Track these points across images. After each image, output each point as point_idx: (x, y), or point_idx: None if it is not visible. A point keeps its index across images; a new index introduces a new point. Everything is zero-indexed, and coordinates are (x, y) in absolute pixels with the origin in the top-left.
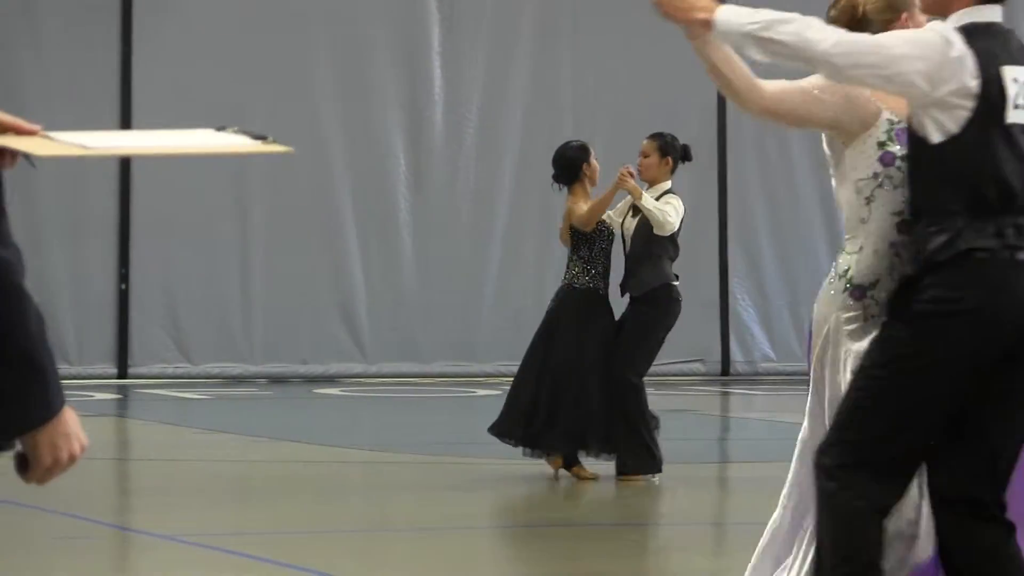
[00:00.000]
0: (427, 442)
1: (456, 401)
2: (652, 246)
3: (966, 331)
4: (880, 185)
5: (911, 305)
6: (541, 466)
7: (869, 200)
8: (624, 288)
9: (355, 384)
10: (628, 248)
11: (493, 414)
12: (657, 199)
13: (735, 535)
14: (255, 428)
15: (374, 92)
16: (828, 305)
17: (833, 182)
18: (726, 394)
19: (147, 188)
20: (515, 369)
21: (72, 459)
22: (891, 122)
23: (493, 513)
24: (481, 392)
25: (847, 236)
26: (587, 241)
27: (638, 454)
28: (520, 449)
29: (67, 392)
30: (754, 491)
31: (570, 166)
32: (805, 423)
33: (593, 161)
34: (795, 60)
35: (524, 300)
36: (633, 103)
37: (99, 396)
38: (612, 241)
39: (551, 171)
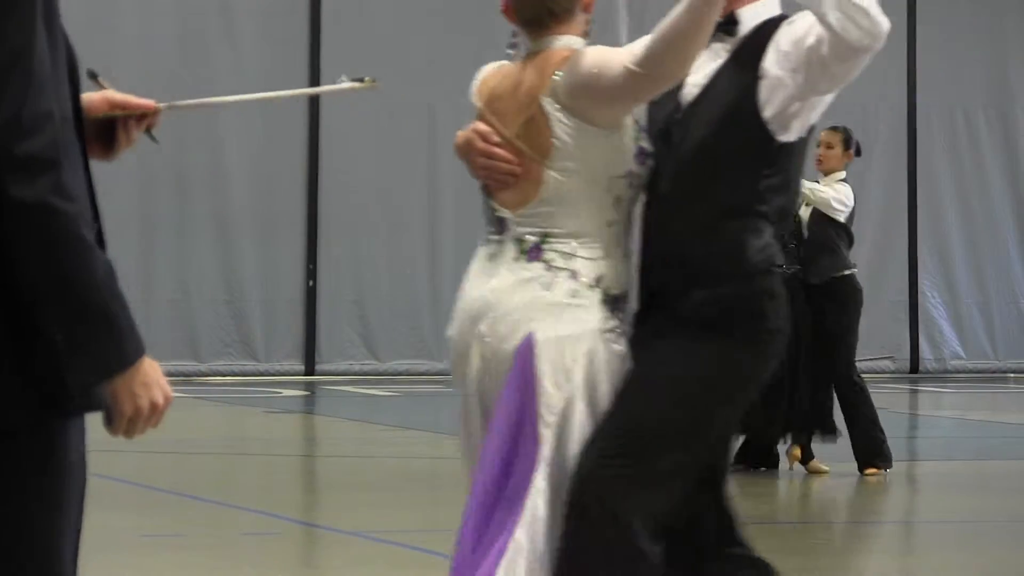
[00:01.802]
0: None
1: None
2: (825, 235)
3: (778, 349)
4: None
5: (719, 315)
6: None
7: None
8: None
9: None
10: (805, 236)
11: None
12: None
13: (924, 534)
14: (443, 425)
15: None
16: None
17: (563, 176)
18: (915, 392)
19: (335, 186)
20: None
21: (155, 408)
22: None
23: None
24: None
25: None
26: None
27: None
28: None
29: (255, 389)
30: (943, 489)
31: None
32: None
33: None
34: (860, 30)
35: None
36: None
37: (287, 393)
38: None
39: None
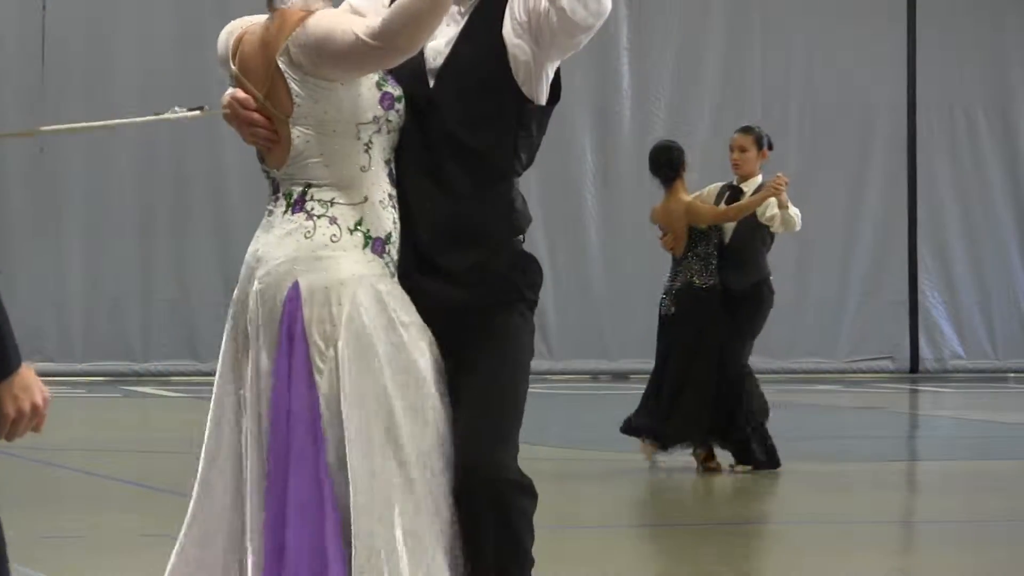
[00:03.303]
0: (614, 438)
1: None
2: (752, 243)
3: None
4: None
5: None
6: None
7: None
8: (725, 283)
9: (541, 381)
10: (726, 242)
11: None
12: (755, 192)
13: (924, 534)
14: None
15: (563, 88)
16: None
17: (308, 131)
18: (915, 391)
19: None
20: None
21: (35, 409)
22: None
23: (671, 511)
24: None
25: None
26: (705, 238)
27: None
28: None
29: None
30: (943, 489)
31: (671, 164)
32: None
33: (685, 160)
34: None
35: None
36: (824, 100)
37: None
38: (722, 237)
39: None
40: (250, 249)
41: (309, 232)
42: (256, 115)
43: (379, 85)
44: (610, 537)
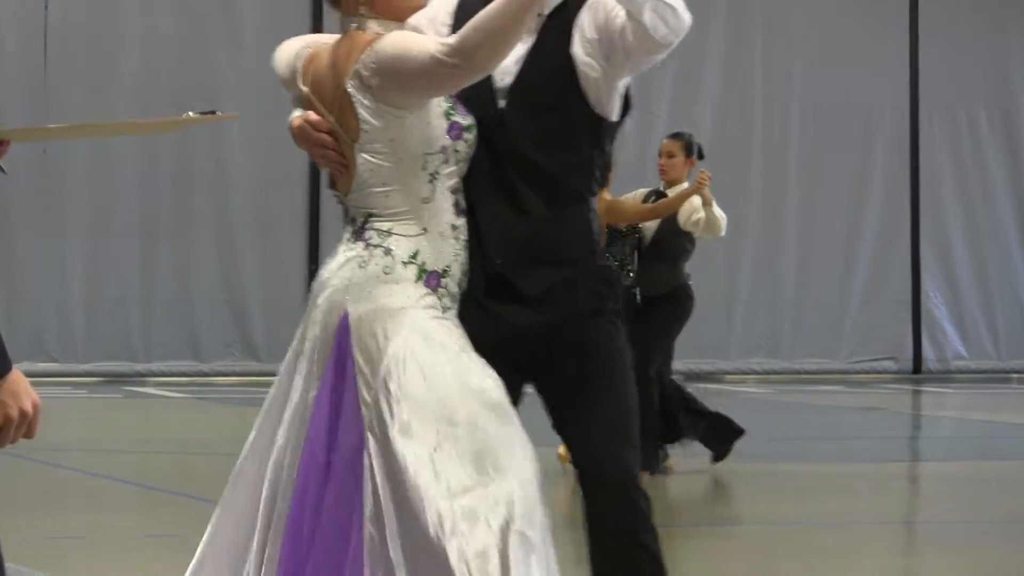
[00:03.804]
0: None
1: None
2: (678, 244)
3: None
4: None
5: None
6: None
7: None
8: (642, 285)
9: None
10: (646, 245)
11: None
12: None
13: (924, 534)
14: None
15: None
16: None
17: (373, 158)
18: (918, 392)
19: None
20: (721, 367)
21: (24, 415)
22: None
23: (672, 511)
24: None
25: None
26: (622, 238)
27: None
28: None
29: (257, 390)
30: (945, 490)
31: None
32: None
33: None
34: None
35: (714, 296)
36: (826, 102)
37: None
38: (641, 239)
39: (741, 167)
40: (321, 269)
41: (364, 262)
42: (327, 137)
43: (447, 114)
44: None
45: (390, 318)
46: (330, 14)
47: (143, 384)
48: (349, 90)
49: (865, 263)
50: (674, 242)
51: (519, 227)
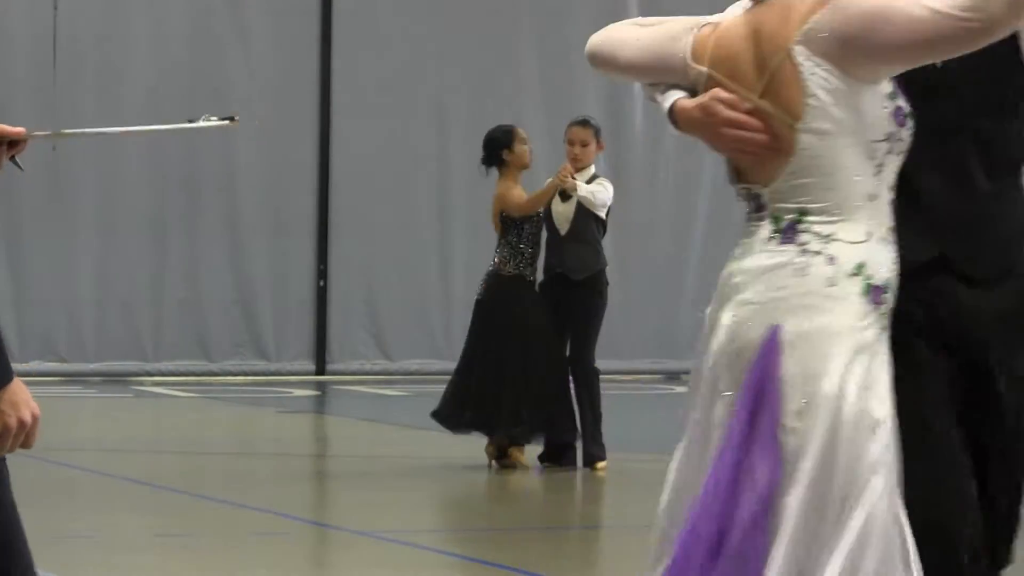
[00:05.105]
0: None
1: (658, 398)
2: (588, 230)
3: None
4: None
5: None
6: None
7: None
8: (562, 271)
9: None
10: (563, 232)
11: None
12: (588, 182)
13: None
14: None
15: (573, 85)
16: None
17: (819, 140)
18: None
19: (346, 186)
20: None
21: (23, 425)
22: None
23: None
24: (679, 389)
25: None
26: (516, 226)
27: (600, 442)
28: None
29: (266, 390)
30: None
31: (490, 149)
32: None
33: (518, 147)
34: None
35: None
36: None
37: (297, 393)
38: (541, 226)
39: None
40: (726, 270)
41: (801, 271)
42: (748, 117)
43: (892, 96)
44: (613, 537)
45: (835, 337)
46: (339, 14)
47: (152, 384)
48: (797, 58)
49: None
50: (587, 228)
51: (961, 204)
